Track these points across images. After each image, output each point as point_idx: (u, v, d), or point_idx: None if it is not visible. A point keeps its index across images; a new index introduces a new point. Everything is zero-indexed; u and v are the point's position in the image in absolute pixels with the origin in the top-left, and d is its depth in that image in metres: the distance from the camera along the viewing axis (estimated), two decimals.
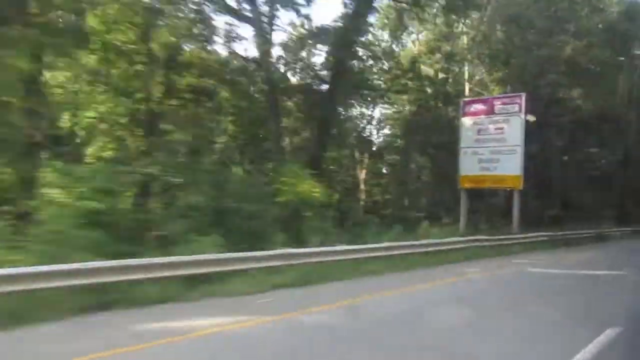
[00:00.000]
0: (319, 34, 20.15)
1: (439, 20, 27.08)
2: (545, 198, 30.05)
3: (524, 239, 20.21)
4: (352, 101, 27.64)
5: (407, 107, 28.94)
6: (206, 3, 19.46)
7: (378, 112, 31.29)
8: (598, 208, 35.17)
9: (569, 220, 30.42)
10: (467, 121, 23.51)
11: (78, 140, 20.27)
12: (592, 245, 24.74)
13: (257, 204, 12.55)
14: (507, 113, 22.17)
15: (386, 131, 32.00)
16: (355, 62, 22.63)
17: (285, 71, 24.01)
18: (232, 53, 21.16)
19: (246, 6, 20.05)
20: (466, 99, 24.43)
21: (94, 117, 19.53)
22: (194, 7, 19.42)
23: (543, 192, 30.22)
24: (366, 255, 11.78)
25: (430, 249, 14.27)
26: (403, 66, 27.65)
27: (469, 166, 23.10)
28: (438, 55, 27.33)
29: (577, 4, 26.55)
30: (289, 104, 22.52)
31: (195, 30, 20.35)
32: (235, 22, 21.54)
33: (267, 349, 5.50)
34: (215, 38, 21.61)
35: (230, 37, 21.67)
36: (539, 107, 25.27)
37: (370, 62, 26.06)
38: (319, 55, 21.61)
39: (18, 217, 9.91)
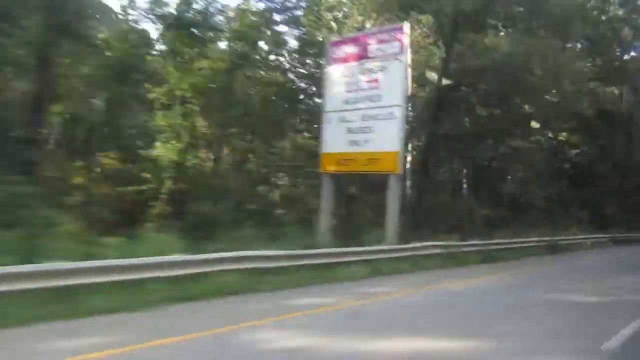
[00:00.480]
0: None
1: None
2: (482, 194, 22.14)
3: (381, 254, 12.36)
4: None
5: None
6: None
7: None
8: (565, 209, 27.32)
9: (517, 224, 22.77)
10: (334, 72, 15.70)
11: None
12: (525, 261, 17.00)
13: None
14: (384, 56, 14.31)
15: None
16: None
17: None
18: None
19: None
20: (334, 39, 16.48)
21: None
22: None
23: (480, 185, 22.34)
24: None
25: (103, 278, 6.62)
26: None
27: (334, 140, 15.32)
28: None
29: None
30: None
31: None
32: None
33: None
34: None
35: None
36: (456, 58, 17.25)
37: None
38: None
39: None
